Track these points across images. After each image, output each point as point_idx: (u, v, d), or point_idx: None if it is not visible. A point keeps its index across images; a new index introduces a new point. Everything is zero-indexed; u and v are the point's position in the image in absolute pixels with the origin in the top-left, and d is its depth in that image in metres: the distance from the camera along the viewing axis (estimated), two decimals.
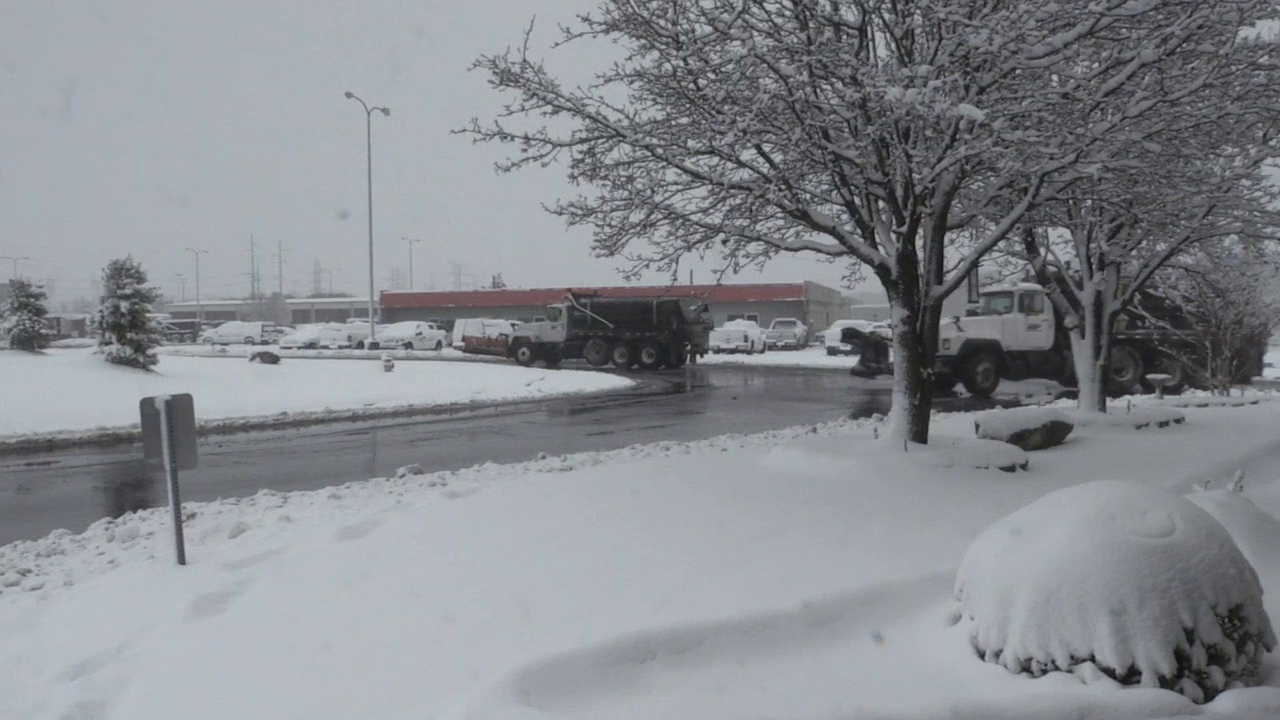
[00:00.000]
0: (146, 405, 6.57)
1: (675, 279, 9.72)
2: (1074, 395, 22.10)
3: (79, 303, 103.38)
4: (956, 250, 12.58)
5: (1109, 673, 3.62)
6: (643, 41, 8.35)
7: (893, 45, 8.47)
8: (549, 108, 8.32)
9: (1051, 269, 13.66)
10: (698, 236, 9.49)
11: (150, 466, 6.65)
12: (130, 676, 4.61)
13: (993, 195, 9.82)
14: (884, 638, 4.48)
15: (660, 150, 8.63)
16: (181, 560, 6.58)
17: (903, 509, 7.00)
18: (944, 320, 22.84)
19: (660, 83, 8.58)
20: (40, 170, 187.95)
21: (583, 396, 23.67)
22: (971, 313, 23.61)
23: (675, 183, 9.23)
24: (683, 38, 7.87)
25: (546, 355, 37.00)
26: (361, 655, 4.52)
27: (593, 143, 8.61)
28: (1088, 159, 7.82)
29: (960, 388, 23.17)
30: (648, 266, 9.59)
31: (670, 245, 9.55)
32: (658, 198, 9.10)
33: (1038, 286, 21.47)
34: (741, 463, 9.70)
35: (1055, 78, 8.44)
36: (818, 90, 8.03)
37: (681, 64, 7.93)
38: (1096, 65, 8.54)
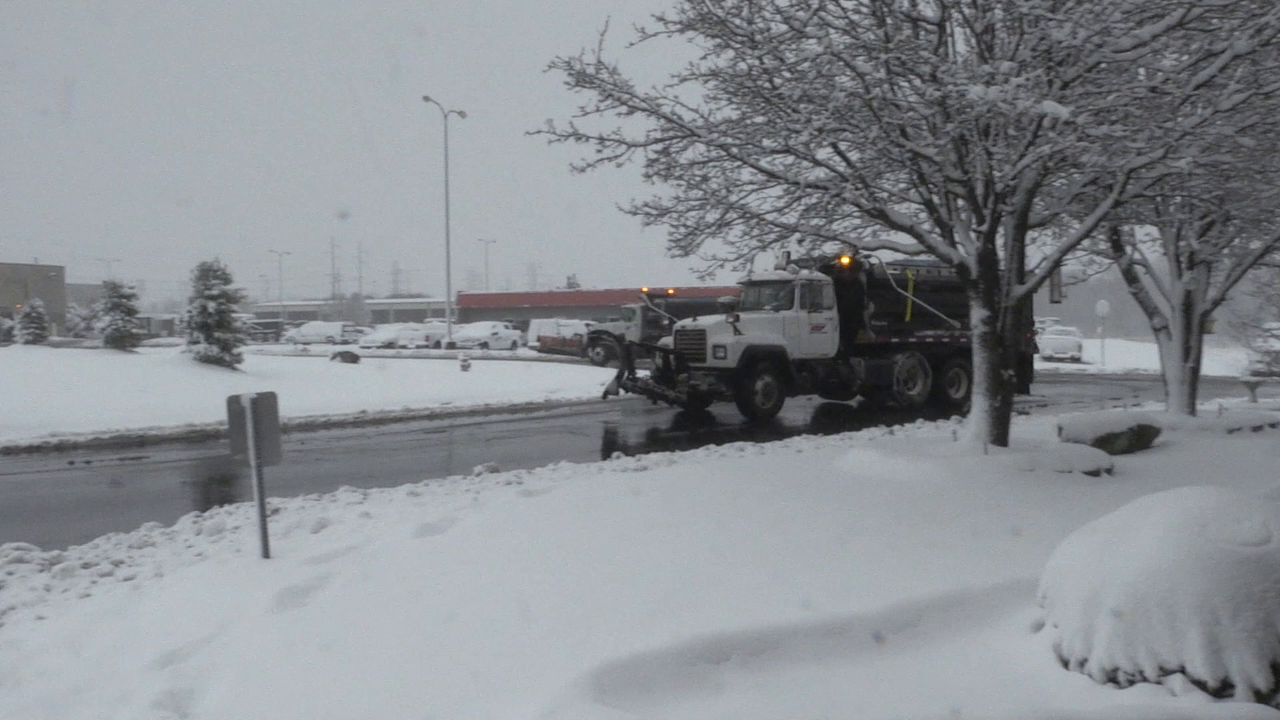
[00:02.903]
0: (233, 403, 6.75)
1: (750, 279, 9.67)
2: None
3: (168, 303, 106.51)
4: (1038, 249, 12.31)
5: (1200, 685, 3.51)
6: (718, 40, 8.33)
7: (972, 41, 8.32)
8: (624, 108, 8.34)
9: (1139, 268, 13.29)
10: (773, 236, 9.44)
11: (236, 462, 6.83)
12: (217, 666, 4.76)
13: (1076, 193, 9.58)
14: (952, 641, 4.40)
15: (735, 150, 8.59)
16: (266, 554, 6.75)
17: (982, 513, 6.86)
18: (715, 319, 17.72)
19: (735, 82, 8.54)
20: (132, 175, 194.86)
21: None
22: (728, 307, 17.95)
23: (750, 182, 9.18)
24: (758, 36, 7.83)
25: None
26: (438, 649, 4.59)
27: (667, 143, 8.61)
28: (1176, 154, 7.59)
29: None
30: (722, 266, 9.55)
31: (745, 245, 9.51)
32: (732, 197, 9.05)
33: (821, 275, 17.96)
34: (817, 464, 9.61)
35: (1142, 71, 8.21)
36: (895, 88, 7.92)
37: (757, 63, 7.89)
38: (1186, 58, 8.27)
